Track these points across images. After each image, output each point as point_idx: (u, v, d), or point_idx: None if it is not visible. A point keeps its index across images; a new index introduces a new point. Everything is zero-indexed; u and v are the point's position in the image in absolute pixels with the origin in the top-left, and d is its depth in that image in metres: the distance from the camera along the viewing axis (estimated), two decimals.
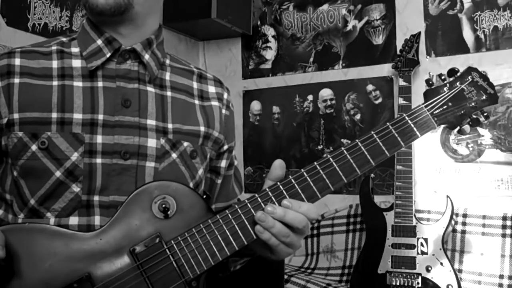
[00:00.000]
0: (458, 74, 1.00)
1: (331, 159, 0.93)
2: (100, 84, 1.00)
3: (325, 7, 2.65)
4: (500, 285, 2.03)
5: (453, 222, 2.07)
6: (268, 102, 2.76)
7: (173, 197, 0.91)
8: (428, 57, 2.36)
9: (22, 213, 0.96)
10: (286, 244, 0.91)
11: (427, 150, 2.31)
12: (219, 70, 2.88)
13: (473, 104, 0.98)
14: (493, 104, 0.99)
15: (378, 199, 2.28)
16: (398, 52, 2.30)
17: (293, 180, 0.92)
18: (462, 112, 0.98)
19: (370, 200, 2.19)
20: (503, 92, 2.20)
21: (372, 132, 0.95)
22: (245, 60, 2.85)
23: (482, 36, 2.27)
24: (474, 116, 0.99)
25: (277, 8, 2.78)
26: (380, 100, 2.48)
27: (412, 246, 2.03)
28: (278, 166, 0.94)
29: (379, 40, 2.50)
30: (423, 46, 2.35)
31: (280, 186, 0.92)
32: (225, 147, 1.16)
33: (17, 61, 0.99)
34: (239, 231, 0.90)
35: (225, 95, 1.18)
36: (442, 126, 1.00)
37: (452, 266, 1.98)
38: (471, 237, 2.14)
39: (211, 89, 1.16)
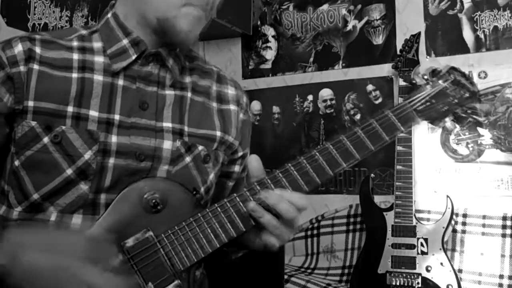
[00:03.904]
0: (440, 73, 1.03)
1: (317, 153, 0.95)
2: (120, 82, 0.99)
3: (325, 7, 2.65)
4: (500, 285, 2.03)
5: (453, 222, 2.07)
6: (268, 102, 2.76)
7: (163, 193, 0.92)
8: (428, 57, 2.36)
9: (20, 206, 0.94)
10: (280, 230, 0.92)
11: (427, 150, 2.31)
12: None
13: (456, 101, 1.02)
14: (476, 102, 1.03)
15: (378, 199, 2.28)
16: (398, 52, 2.29)
17: (280, 174, 0.94)
18: (446, 108, 1.01)
19: (370, 200, 2.19)
20: (503, 92, 2.20)
21: (357, 128, 0.98)
22: (245, 60, 2.85)
23: (482, 36, 2.27)
24: (458, 113, 1.02)
25: (277, 8, 2.78)
26: (380, 100, 2.48)
27: (412, 246, 2.03)
28: (253, 159, 0.96)
29: (379, 40, 2.50)
30: (423, 46, 2.35)
31: (268, 180, 0.94)
32: (240, 153, 1.16)
33: (38, 50, 0.96)
34: (227, 224, 0.92)
35: (244, 99, 1.18)
36: (427, 122, 1.03)
37: (452, 266, 1.98)
38: (471, 237, 2.14)
39: (231, 91, 1.16)
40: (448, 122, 1.02)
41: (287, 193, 0.92)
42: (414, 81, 1.04)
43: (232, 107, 1.14)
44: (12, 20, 1.90)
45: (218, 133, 1.09)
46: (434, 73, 1.03)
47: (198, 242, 0.91)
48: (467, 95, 1.02)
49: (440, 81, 1.02)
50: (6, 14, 1.88)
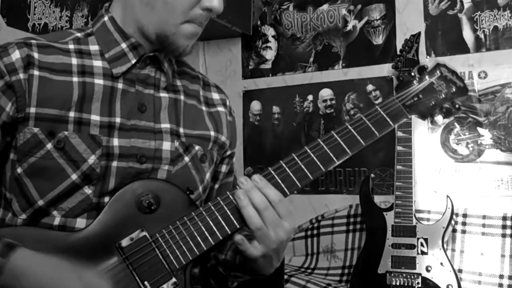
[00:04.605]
0: (427, 69, 1.05)
1: (308, 150, 0.96)
2: (120, 86, 0.99)
3: (325, 7, 2.65)
4: (500, 285, 2.03)
5: (453, 222, 2.07)
6: (268, 102, 2.76)
7: (157, 193, 0.93)
8: (428, 57, 2.36)
9: (25, 214, 0.93)
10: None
11: (427, 150, 2.31)
12: (219, 70, 2.88)
13: (443, 96, 1.03)
14: (463, 96, 1.04)
15: (378, 199, 2.28)
16: (398, 52, 2.29)
17: (272, 172, 0.95)
18: (433, 103, 1.03)
19: (370, 200, 2.19)
20: (503, 92, 2.20)
21: (347, 124, 0.98)
22: (245, 60, 2.85)
23: (482, 36, 2.27)
24: (446, 107, 1.04)
25: (277, 8, 2.78)
26: (380, 100, 2.48)
27: (412, 246, 2.03)
28: None
29: (379, 40, 2.50)
30: (423, 46, 2.34)
31: (261, 177, 0.94)
32: (228, 152, 1.17)
33: (36, 55, 0.95)
34: (222, 222, 0.93)
35: (227, 102, 1.20)
36: (416, 116, 1.04)
37: (452, 266, 1.98)
38: (471, 237, 2.14)
39: (215, 95, 1.17)
40: (437, 116, 1.03)
41: (264, 183, 0.92)
42: (401, 78, 1.06)
43: (220, 108, 1.16)
44: (12, 20, 1.90)
45: (212, 133, 1.10)
46: (422, 69, 1.05)
47: (193, 240, 0.92)
48: (454, 89, 1.04)
49: (427, 77, 1.04)
50: (6, 14, 1.88)
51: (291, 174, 0.95)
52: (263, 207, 0.91)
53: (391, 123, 0.99)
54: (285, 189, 0.94)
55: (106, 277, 0.87)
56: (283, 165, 0.95)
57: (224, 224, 0.93)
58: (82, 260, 0.87)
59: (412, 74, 1.04)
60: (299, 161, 0.95)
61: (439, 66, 1.05)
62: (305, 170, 0.95)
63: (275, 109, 2.74)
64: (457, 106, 1.04)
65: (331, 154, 0.96)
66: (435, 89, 1.03)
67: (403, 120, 1.01)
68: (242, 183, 0.93)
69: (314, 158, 0.96)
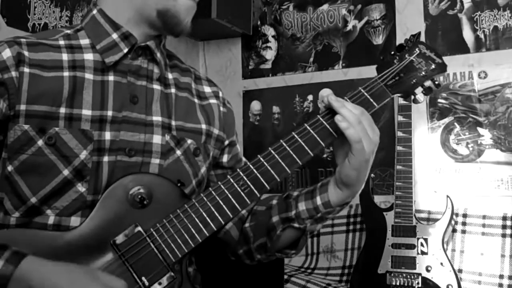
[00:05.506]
0: (407, 48, 1.06)
1: (295, 135, 0.98)
2: (111, 78, 0.99)
3: (325, 7, 2.65)
4: (500, 285, 2.03)
5: (453, 222, 2.07)
6: (268, 102, 2.76)
7: (148, 187, 0.93)
8: None
9: (18, 212, 0.93)
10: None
11: (427, 150, 2.31)
12: (219, 70, 2.88)
13: (423, 73, 1.04)
14: (442, 72, 1.06)
15: (378, 199, 2.28)
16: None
17: (262, 159, 0.97)
18: (414, 81, 1.04)
19: (370, 200, 2.19)
20: (503, 92, 2.20)
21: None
22: (245, 60, 2.85)
23: (482, 36, 2.27)
24: (427, 85, 1.04)
25: (277, 8, 2.78)
26: None
27: (412, 246, 2.03)
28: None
29: (379, 40, 2.50)
30: None
31: (250, 166, 0.96)
32: (226, 142, 1.17)
33: (26, 53, 0.95)
34: (215, 212, 0.93)
35: (220, 93, 1.19)
36: (398, 96, 1.05)
37: (452, 266, 1.98)
38: (471, 237, 2.14)
39: (207, 88, 1.17)
40: (419, 94, 1.04)
41: (344, 102, 0.98)
42: (381, 57, 1.07)
43: (212, 101, 1.16)
44: (12, 20, 1.90)
45: (204, 126, 1.10)
46: (401, 47, 1.06)
47: (187, 232, 0.92)
48: (433, 66, 1.05)
49: (406, 55, 1.05)
50: (6, 14, 1.88)
51: (280, 161, 0.97)
52: (356, 121, 0.94)
53: (374, 104, 1.01)
54: (275, 175, 0.96)
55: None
56: (272, 151, 0.97)
57: (217, 215, 0.93)
58: (78, 259, 0.87)
59: (392, 52, 1.05)
60: (287, 147, 0.97)
61: (417, 44, 1.06)
62: (294, 156, 0.97)
63: (275, 109, 2.74)
64: (436, 83, 1.04)
65: (318, 138, 0.97)
66: (415, 67, 1.04)
67: (386, 100, 1.02)
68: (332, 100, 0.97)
69: (302, 143, 0.97)
